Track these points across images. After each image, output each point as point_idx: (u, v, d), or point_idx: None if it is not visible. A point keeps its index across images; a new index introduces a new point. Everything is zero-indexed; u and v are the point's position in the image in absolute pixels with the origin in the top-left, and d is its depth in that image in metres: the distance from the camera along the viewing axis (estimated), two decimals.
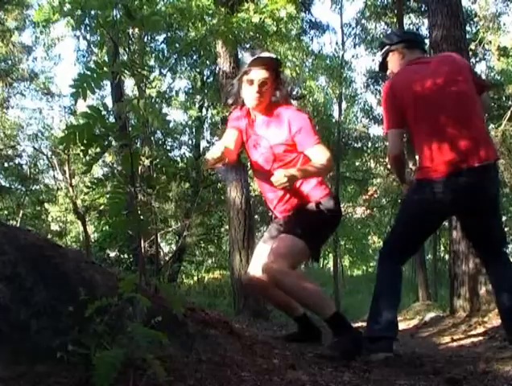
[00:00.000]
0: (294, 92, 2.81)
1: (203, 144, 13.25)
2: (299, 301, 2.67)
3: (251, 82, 2.66)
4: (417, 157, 2.72)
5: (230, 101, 2.81)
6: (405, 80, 2.66)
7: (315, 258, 2.80)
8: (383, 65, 2.91)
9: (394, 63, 2.83)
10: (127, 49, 7.87)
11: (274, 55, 2.76)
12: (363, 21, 14.11)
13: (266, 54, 2.71)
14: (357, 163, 16.84)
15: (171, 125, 11.06)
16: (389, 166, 15.36)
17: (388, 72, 2.90)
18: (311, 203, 2.67)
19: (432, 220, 2.65)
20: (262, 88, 2.64)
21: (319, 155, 2.57)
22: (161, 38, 8.75)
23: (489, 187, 2.56)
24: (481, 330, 4.10)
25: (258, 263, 2.75)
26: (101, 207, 10.29)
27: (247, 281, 2.93)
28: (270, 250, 2.62)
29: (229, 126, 2.89)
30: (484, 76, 13.59)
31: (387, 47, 2.86)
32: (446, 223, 6.03)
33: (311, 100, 14.36)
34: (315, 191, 2.68)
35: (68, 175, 10.65)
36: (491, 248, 2.67)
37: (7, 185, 13.14)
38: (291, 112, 2.66)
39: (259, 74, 2.64)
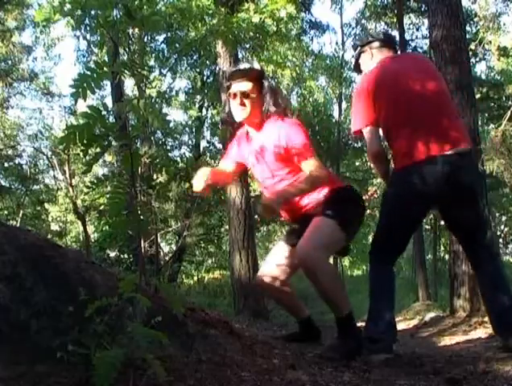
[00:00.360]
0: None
1: (203, 144, 13.27)
2: (324, 293, 2.54)
3: (234, 95, 2.62)
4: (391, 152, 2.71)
5: (227, 118, 2.79)
6: (377, 77, 2.67)
7: (342, 253, 2.76)
8: (357, 66, 2.96)
9: (365, 63, 2.88)
10: (127, 49, 7.88)
11: (255, 65, 2.68)
12: (363, 21, 14.11)
13: (246, 65, 2.67)
14: (357, 163, 16.85)
15: (171, 124, 11.07)
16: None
17: (362, 73, 2.92)
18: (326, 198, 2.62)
19: (412, 210, 2.62)
20: (245, 99, 2.59)
21: (309, 168, 2.54)
22: (161, 38, 8.77)
23: (464, 176, 2.54)
24: (480, 330, 4.09)
25: (274, 263, 2.74)
26: (101, 207, 10.28)
27: (259, 281, 2.86)
28: (307, 234, 2.51)
29: (228, 148, 2.91)
30: (484, 76, 13.60)
31: (358, 49, 2.92)
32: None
33: (311, 100, 14.36)
34: (324, 192, 2.64)
35: (68, 175, 10.65)
36: (470, 240, 2.66)
37: (7, 185, 13.13)
38: (281, 124, 2.58)
39: (240, 86, 2.60)
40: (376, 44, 2.85)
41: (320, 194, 2.62)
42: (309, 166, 2.54)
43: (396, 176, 2.65)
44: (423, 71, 2.69)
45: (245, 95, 2.59)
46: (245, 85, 2.60)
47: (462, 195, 2.55)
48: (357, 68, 2.96)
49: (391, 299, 2.59)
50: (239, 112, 2.63)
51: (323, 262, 2.48)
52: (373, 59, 2.83)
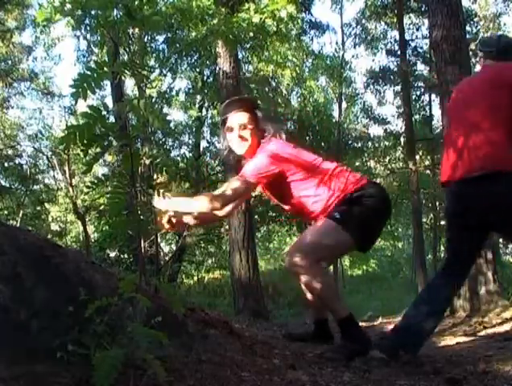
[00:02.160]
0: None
1: (203, 144, 13.26)
2: (317, 297, 2.55)
3: (231, 129, 2.60)
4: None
5: (226, 154, 2.75)
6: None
7: (361, 248, 2.59)
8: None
9: None
10: (127, 49, 7.88)
11: (245, 96, 2.70)
12: (363, 21, 14.11)
13: (236, 97, 2.67)
14: (357, 163, 16.83)
15: (171, 125, 11.07)
16: (389, 166, 15.39)
17: None
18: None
19: (453, 230, 2.65)
20: (243, 131, 2.57)
21: (221, 189, 2.52)
22: (161, 38, 8.77)
23: (471, 202, 2.47)
24: (481, 330, 4.10)
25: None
26: (101, 207, 10.29)
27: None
28: (298, 239, 2.53)
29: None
30: None
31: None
32: (445, 224, 6.02)
33: (311, 100, 14.35)
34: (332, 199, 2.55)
35: (68, 175, 10.65)
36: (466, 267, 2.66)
37: (7, 185, 13.13)
38: (261, 147, 2.58)
39: (236, 118, 2.59)
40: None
41: (328, 202, 2.54)
42: (225, 186, 2.53)
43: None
44: (477, 87, 2.59)
45: (242, 127, 2.58)
46: (241, 116, 2.58)
47: (482, 217, 2.48)
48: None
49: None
50: (240, 146, 2.61)
51: (309, 270, 2.39)
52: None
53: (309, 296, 2.72)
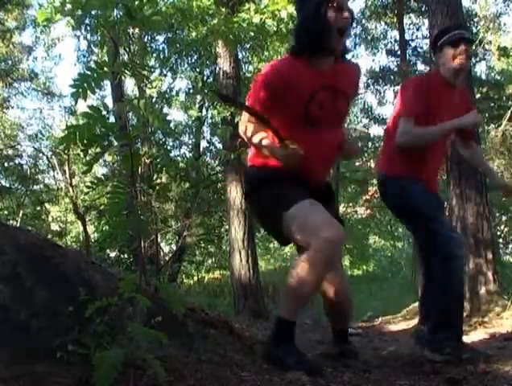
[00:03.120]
0: None
1: (203, 144, 13.24)
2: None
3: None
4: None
5: None
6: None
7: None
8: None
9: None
10: (127, 49, 7.88)
11: None
12: (363, 21, 14.10)
13: None
14: (357, 163, 16.84)
15: (171, 125, 11.07)
16: None
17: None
18: None
19: None
20: None
21: None
22: (161, 38, 8.76)
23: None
24: (481, 330, 4.10)
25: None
26: (101, 207, 10.28)
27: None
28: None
29: None
30: (484, 76, 13.60)
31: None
32: None
33: None
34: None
35: (68, 175, 10.64)
36: None
37: (7, 185, 13.12)
38: None
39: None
40: None
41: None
42: None
43: None
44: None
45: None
46: None
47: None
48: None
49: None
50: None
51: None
52: None
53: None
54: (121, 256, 10.16)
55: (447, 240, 2.46)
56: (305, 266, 1.97)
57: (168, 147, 12.22)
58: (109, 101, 11.59)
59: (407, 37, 13.32)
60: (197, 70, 11.10)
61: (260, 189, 2.23)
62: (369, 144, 15.48)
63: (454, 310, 2.52)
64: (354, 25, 14.46)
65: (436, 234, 2.48)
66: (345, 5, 2.17)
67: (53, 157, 12.38)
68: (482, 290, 4.89)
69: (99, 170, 12.96)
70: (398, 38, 12.91)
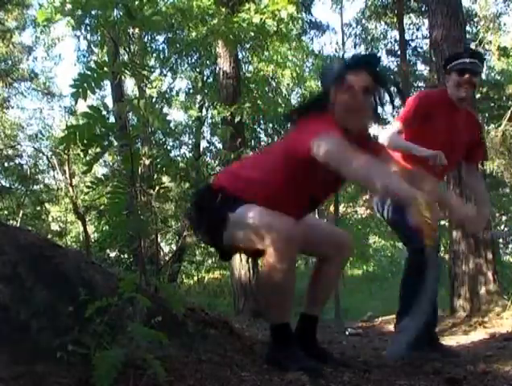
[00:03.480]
0: None
1: (203, 144, 13.24)
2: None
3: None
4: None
5: None
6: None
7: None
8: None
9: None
10: (127, 49, 7.87)
11: None
12: (363, 21, 14.10)
13: None
14: None
15: (171, 125, 11.07)
16: None
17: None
18: None
19: None
20: None
21: None
22: (161, 38, 8.75)
23: None
24: (481, 330, 4.10)
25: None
26: (101, 207, 10.27)
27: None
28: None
29: None
30: (484, 76, 13.60)
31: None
32: (446, 224, 6.03)
33: None
34: None
35: (68, 175, 10.64)
36: None
37: (7, 185, 13.12)
38: None
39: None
40: None
41: None
42: None
43: None
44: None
45: None
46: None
47: None
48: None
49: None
50: None
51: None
52: None
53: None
54: (121, 256, 10.16)
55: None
56: (270, 270, 1.91)
57: (168, 147, 12.20)
58: (109, 101, 11.58)
59: (407, 37, 13.35)
60: (197, 70, 11.10)
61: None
62: None
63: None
64: (354, 25, 14.53)
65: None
66: None
67: (53, 157, 12.38)
68: (482, 290, 4.89)
69: (99, 170, 12.97)
70: (398, 38, 12.93)
